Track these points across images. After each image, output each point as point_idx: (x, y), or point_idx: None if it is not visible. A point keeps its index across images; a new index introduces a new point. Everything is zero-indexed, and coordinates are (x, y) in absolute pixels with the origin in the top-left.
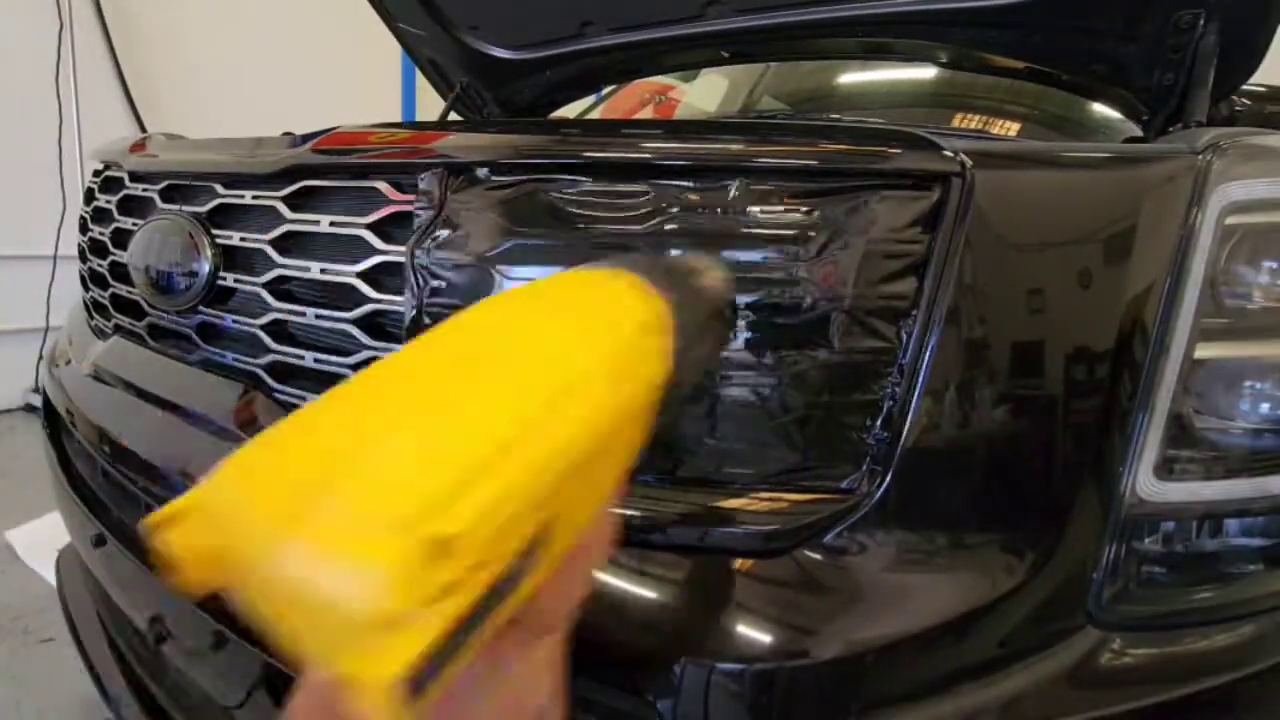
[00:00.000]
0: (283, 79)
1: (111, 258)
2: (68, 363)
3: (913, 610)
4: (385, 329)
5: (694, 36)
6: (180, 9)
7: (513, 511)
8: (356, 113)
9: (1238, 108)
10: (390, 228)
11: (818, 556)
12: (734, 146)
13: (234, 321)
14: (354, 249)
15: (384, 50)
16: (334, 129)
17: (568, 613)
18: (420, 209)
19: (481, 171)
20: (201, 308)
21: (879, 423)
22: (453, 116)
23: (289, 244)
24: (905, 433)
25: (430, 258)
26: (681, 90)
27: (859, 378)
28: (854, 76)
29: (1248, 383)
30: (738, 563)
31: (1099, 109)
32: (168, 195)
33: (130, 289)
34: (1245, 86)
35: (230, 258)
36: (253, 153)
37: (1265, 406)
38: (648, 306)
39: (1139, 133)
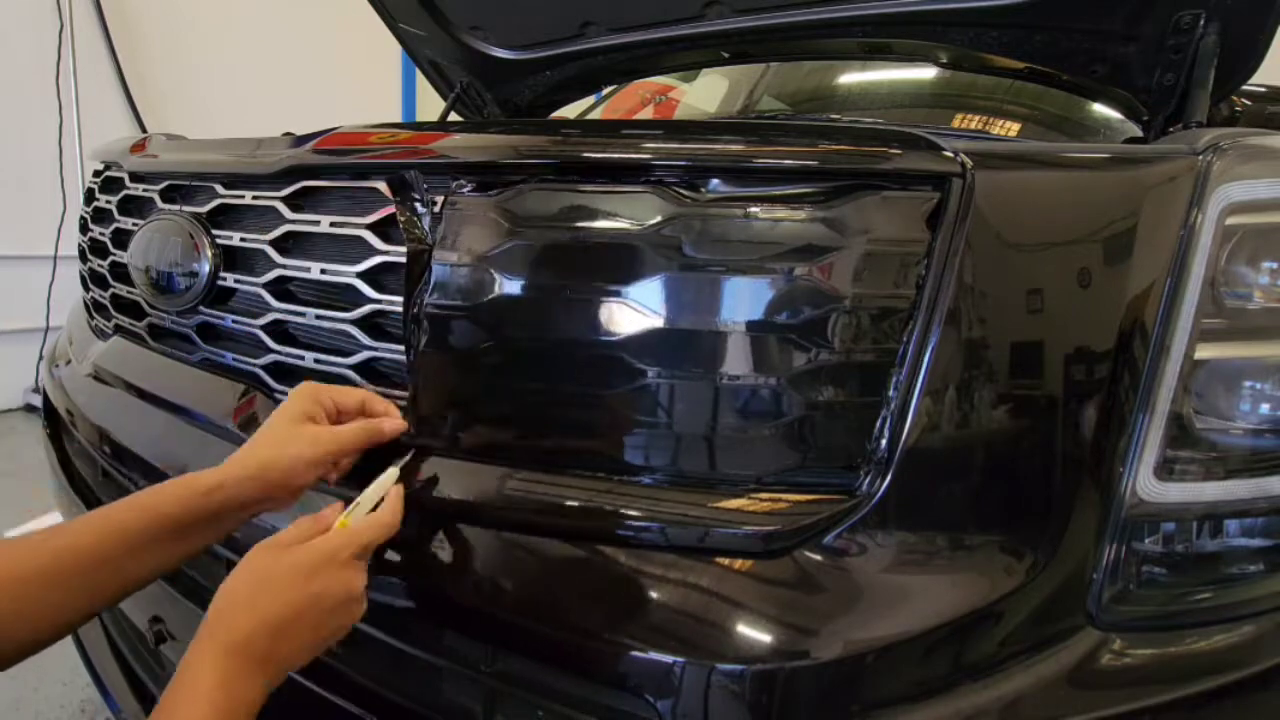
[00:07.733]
0: (283, 79)
1: (112, 258)
2: (68, 363)
3: (913, 611)
4: (385, 329)
5: (694, 37)
6: (180, 9)
7: None
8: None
9: (1238, 108)
10: (390, 228)
11: (818, 557)
12: (734, 146)
13: (234, 322)
14: (354, 249)
15: (384, 50)
16: (334, 129)
17: None
18: (420, 209)
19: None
20: (202, 308)
21: (879, 423)
22: (453, 116)
23: (289, 244)
24: (905, 433)
25: (430, 258)
26: (681, 90)
27: (859, 378)
28: (854, 76)
29: (1248, 383)
30: (738, 563)
31: (1099, 109)
32: (168, 195)
33: (130, 289)
34: (1245, 87)
35: (230, 258)
36: (253, 153)
37: (1265, 406)
38: None
39: (1139, 133)
